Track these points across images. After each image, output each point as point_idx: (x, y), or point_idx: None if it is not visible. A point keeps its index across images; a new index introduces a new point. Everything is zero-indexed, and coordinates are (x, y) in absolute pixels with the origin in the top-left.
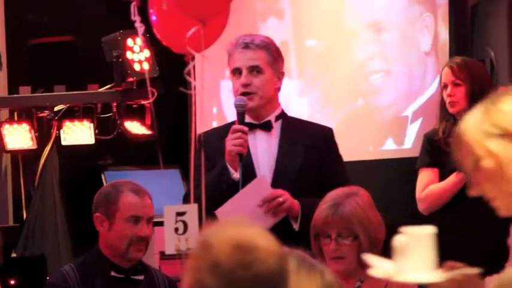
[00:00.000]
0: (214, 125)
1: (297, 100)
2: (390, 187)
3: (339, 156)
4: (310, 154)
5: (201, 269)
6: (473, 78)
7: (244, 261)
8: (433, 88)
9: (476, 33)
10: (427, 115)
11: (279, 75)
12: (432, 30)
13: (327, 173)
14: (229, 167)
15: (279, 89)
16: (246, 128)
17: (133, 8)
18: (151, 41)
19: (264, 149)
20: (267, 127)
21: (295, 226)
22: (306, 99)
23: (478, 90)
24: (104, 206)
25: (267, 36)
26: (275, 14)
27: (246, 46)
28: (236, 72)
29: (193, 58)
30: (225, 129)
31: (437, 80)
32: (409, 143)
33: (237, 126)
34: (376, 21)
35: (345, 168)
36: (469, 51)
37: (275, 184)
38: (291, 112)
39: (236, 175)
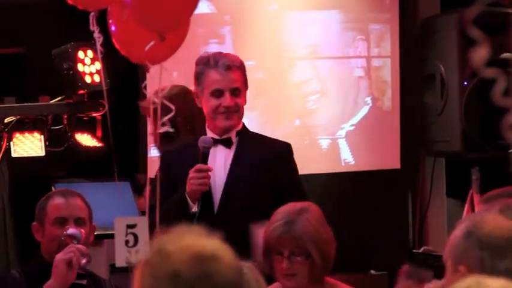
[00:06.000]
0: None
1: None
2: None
3: (294, 171)
4: (263, 168)
5: (159, 277)
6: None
7: (204, 272)
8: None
9: (426, 48)
10: None
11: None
12: (365, 54)
13: (281, 186)
14: (189, 201)
15: None
16: (211, 168)
17: (92, 18)
18: (107, 53)
19: (222, 164)
20: (228, 143)
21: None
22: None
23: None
24: (37, 214)
25: (237, 56)
26: (216, 37)
27: (228, 68)
28: (216, 92)
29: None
30: (185, 147)
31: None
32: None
33: (202, 166)
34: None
35: (300, 182)
36: (419, 66)
37: (225, 195)
38: None
39: (194, 208)
